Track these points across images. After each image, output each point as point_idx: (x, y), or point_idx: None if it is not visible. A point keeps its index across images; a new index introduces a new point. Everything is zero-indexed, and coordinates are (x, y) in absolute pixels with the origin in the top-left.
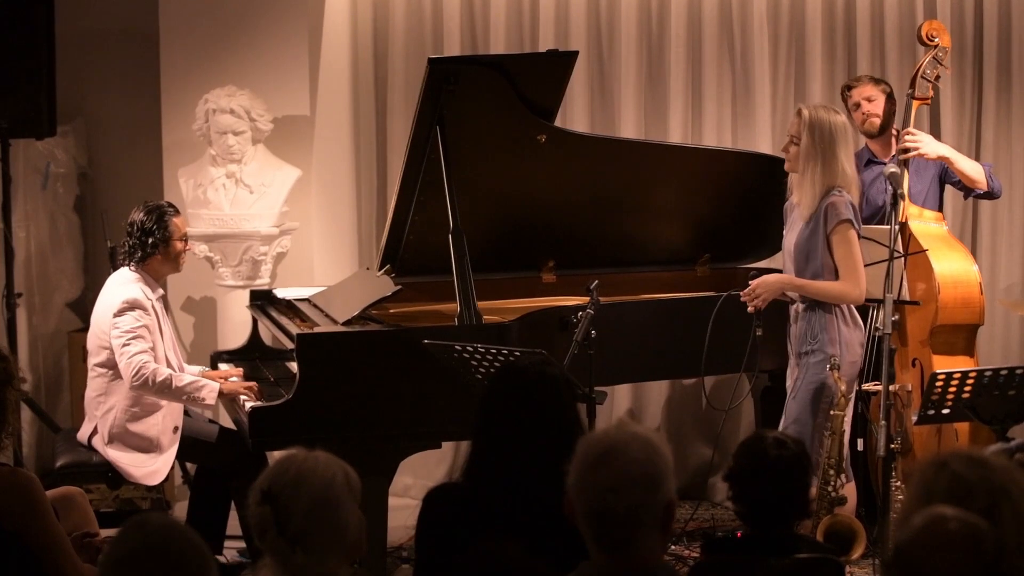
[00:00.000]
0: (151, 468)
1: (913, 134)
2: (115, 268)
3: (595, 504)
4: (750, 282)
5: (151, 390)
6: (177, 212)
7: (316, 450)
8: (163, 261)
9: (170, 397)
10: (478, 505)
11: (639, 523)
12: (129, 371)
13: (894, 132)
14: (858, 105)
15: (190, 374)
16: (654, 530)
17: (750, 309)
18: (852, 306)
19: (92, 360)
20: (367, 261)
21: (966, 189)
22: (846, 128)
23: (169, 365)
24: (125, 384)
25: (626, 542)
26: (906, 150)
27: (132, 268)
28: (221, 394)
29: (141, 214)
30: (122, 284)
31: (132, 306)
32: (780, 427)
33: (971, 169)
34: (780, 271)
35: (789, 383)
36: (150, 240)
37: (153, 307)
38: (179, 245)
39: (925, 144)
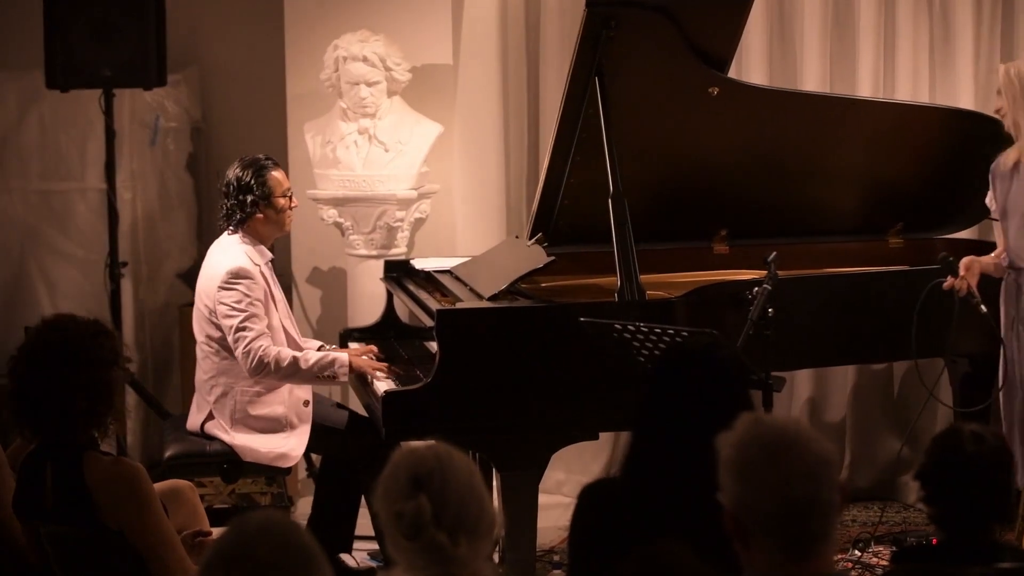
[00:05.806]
0: (283, 449)
1: None
2: None
3: (787, 496)
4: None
5: (276, 376)
6: (276, 164)
7: (429, 440)
8: (266, 221)
9: (298, 380)
10: (639, 503)
11: (834, 509)
12: (248, 362)
13: None
14: None
15: (311, 350)
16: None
17: (960, 292)
18: None
19: (199, 337)
20: (516, 228)
21: None
22: None
23: (288, 336)
24: (243, 371)
25: (823, 537)
26: None
27: (233, 232)
28: (351, 369)
29: (236, 170)
30: (224, 250)
31: (238, 276)
32: None
33: None
34: (978, 242)
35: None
36: (249, 199)
37: (262, 272)
38: (281, 201)
39: None
